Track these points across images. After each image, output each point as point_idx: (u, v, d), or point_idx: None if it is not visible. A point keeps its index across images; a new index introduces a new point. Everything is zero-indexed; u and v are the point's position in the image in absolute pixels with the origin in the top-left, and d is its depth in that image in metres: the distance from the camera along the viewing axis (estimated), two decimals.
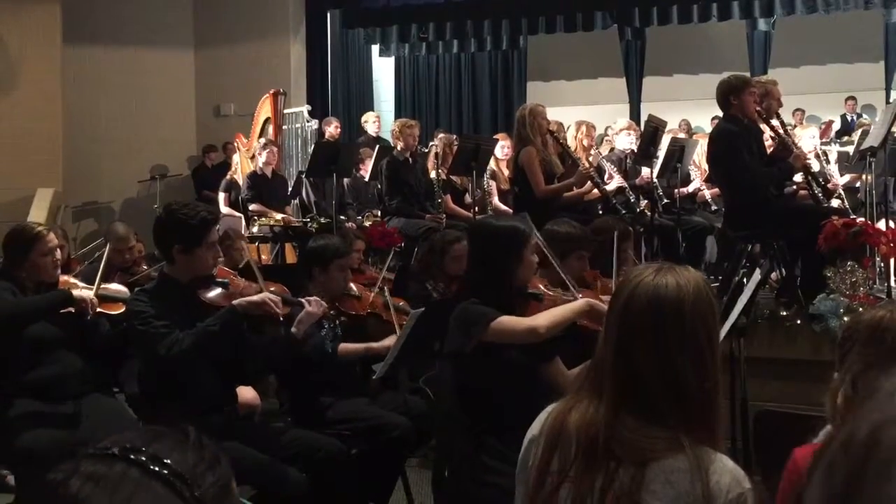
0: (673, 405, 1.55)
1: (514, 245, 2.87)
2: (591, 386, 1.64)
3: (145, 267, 4.79)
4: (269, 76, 9.78)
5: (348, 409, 3.64)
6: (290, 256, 7.45)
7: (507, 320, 2.76)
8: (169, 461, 0.77)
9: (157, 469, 0.75)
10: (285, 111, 9.27)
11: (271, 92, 9.05)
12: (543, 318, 2.78)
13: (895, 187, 6.40)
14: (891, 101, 10.39)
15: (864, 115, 11.70)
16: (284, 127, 9.21)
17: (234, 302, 3.08)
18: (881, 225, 5.11)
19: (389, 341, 3.77)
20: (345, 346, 3.77)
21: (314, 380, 3.69)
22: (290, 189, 7.97)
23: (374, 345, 3.81)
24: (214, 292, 3.20)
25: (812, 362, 3.99)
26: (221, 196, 8.07)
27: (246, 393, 3.71)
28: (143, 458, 0.76)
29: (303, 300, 3.36)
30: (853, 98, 11.93)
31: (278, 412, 3.96)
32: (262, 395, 3.97)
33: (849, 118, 11.73)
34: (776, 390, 3.95)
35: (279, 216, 7.35)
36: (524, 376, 2.80)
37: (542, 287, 3.11)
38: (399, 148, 6.96)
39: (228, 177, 8.42)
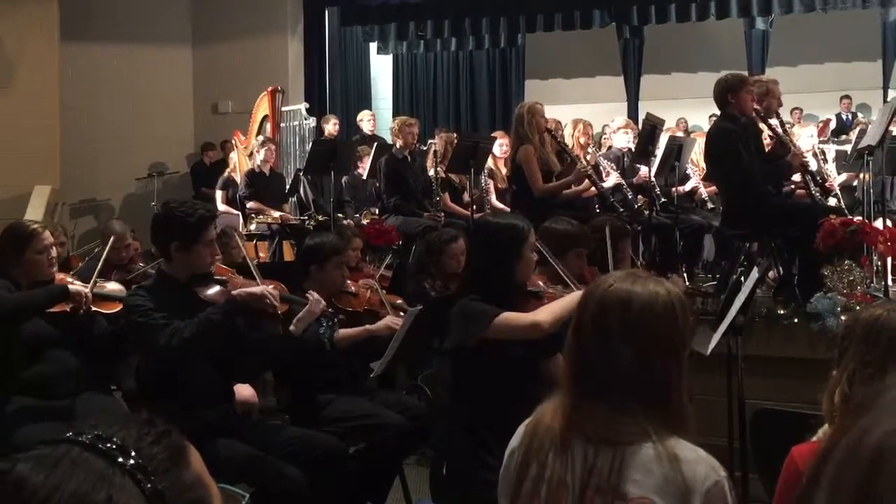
0: (632, 398, 1.60)
1: (513, 242, 2.88)
2: (562, 387, 1.70)
3: (141, 265, 4.78)
4: (267, 74, 9.76)
5: (346, 407, 3.64)
6: (288, 254, 7.44)
7: (510, 317, 2.77)
8: (110, 436, 0.80)
9: (97, 444, 0.79)
10: (283, 109, 9.26)
11: (269, 89, 9.04)
12: (544, 313, 2.79)
13: (892, 186, 6.41)
14: (888, 100, 10.41)
15: (860, 114, 11.72)
16: (282, 125, 9.20)
17: (234, 292, 3.09)
18: (878, 224, 5.11)
19: (387, 321, 3.77)
20: (342, 332, 3.77)
21: (312, 377, 3.69)
22: (287, 187, 7.96)
23: (372, 326, 3.81)
24: (213, 290, 3.19)
25: (809, 361, 3.99)
26: (219, 194, 8.06)
27: (243, 390, 3.71)
28: (87, 438, 0.80)
29: (302, 298, 3.36)
30: (848, 97, 11.95)
31: (276, 410, 3.96)
32: (259, 393, 3.97)
33: (844, 117, 11.75)
34: (774, 389, 3.95)
35: (277, 214, 7.35)
36: (525, 373, 2.81)
37: (541, 284, 3.12)
38: (398, 146, 6.95)
39: (226, 174, 8.41)
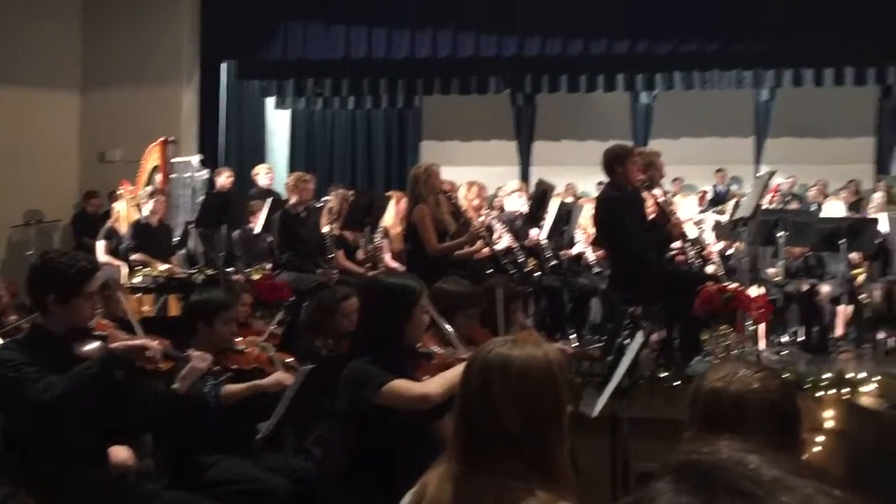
0: (520, 462, 1.62)
1: (404, 303, 2.88)
2: (449, 454, 1.71)
3: (14, 317, 4.52)
4: (160, 123, 9.55)
5: (229, 470, 3.51)
6: (174, 309, 7.20)
7: (401, 386, 2.75)
8: None
9: None
10: (175, 160, 9.07)
11: (161, 140, 8.84)
12: (435, 385, 2.77)
13: (764, 255, 6.80)
14: (759, 174, 11.11)
15: (734, 186, 12.46)
16: (173, 175, 9.00)
17: (112, 345, 2.97)
18: (752, 291, 5.40)
19: (277, 376, 3.68)
20: (230, 388, 3.65)
21: (194, 438, 3.55)
22: (176, 239, 7.74)
23: (261, 382, 3.70)
24: (91, 345, 3.05)
25: None
26: (101, 244, 7.76)
27: (119, 452, 3.53)
28: None
29: (187, 354, 3.25)
30: (723, 170, 12.70)
31: (153, 472, 3.78)
32: (136, 454, 3.78)
33: (719, 189, 12.45)
34: (658, 451, 4.05)
35: (163, 267, 7.13)
36: (415, 435, 2.79)
37: (432, 346, 3.12)
38: (293, 201, 6.90)
39: (109, 224, 8.12)
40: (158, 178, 8.71)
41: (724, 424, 1.73)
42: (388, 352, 2.84)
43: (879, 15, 9.44)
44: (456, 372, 2.87)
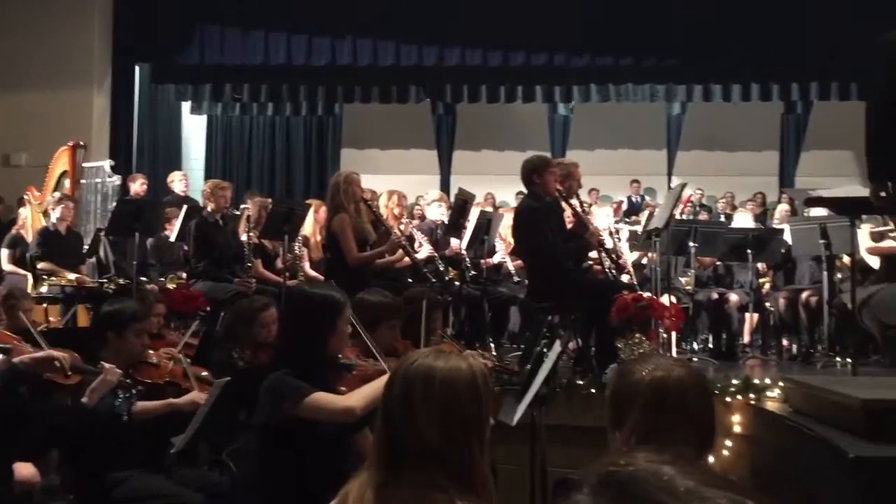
0: (441, 473, 1.63)
1: (328, 314, 2.86)
2: (370, 465, 1.72)
3: None
4: (69, 127, 9.23)
5: (140, 487, 3.41)
6: (83, 319, 6.95)
7: (322, 398, 2.72)
8: None
9: None
10: (85, 165, 8.78)
11: (70, 144, 8.55)
12: (357, 399, 2.74)
13: (676, 265, 7.01)
14: (671, 186, 11.46)
15: (647, 197, 12.83)
16: (83, 181, 8.71)
17: (16, 359, 2.85)
18: (665, 300, 5.55)
19: (192, 396, 3.59)
20: (143, 405, 3.54)
21: (104, 454, 3.43)
22: (86, 247, 7.49)
23: (175, 401, 3.60)
24: None
25: (606, 430, 4.21)
26: (4, 252, 7.44)
27: (24, 469, 3.39)
28: None
29: (96, 367, 3.15)
30: (637, 181, 13.06)
31: (60, 490, 3.64)
32: (41, 471, 3.63)
33: (634, 199, 12.80)
34: (575, 457, 4.12)
35: (72, 276, 6.88)
36: (334, 448, 2.76)
37: (353, 357, 3.11)
38: (210, 209, 6.76)
39: (13, 231, 7.80)
40: (67, 183, 8.42)
41: (671, 410, 1.87)
42: (310, 363, 2.80)
43: (783, 35, 9.90)
44: (379, 384, 2.86)
